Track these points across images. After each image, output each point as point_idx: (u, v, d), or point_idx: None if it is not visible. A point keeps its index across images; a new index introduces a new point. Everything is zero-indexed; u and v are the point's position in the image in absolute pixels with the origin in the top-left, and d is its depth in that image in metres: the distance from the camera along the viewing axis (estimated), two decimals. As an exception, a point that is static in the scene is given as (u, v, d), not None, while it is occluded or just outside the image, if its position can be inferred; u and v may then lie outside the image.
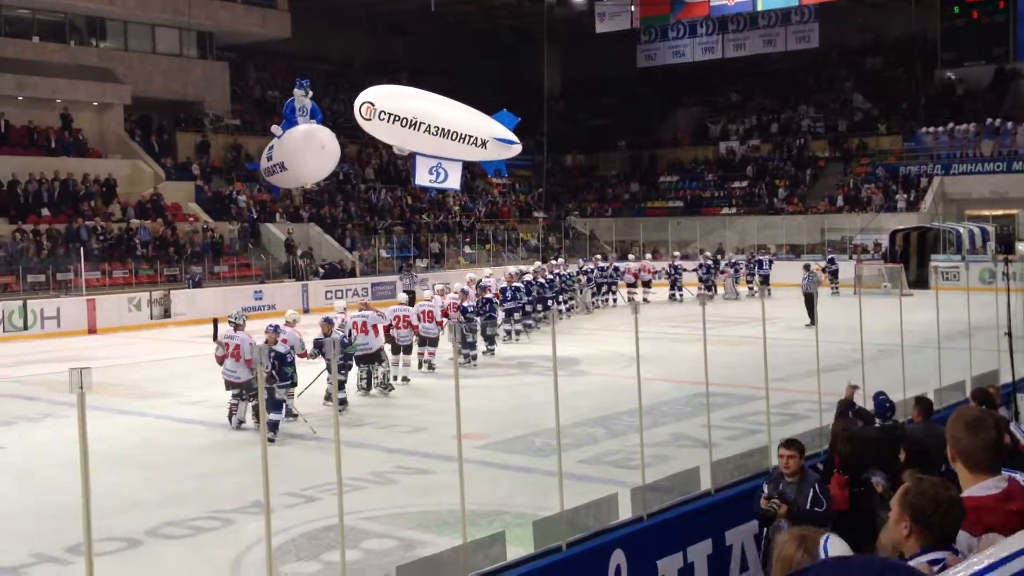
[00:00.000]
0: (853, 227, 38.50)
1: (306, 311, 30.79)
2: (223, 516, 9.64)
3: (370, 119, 11.66)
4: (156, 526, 9.36)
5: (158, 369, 19.79)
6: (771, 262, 32.02)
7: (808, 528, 3.21)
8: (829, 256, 32.95)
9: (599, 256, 33.06)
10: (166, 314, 28.09)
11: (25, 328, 25.51)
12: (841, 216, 40.15)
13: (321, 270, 33.86)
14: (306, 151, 12.94)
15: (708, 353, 8.28)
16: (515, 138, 13.32)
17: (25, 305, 25.82)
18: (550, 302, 24.46)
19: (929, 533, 3.07)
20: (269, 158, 13.34)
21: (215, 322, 14.38)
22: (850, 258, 34.84)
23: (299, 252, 34.27)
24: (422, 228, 40.43)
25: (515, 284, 22.76)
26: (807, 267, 26.40)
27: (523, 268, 25.84)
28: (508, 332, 22.34)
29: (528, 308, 23.22)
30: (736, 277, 31.94)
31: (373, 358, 16.15)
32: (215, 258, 32.13)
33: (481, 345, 19.79)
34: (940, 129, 41.26)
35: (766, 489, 6.89)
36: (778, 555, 3.12)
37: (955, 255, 32.21)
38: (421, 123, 11.85)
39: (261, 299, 30.49)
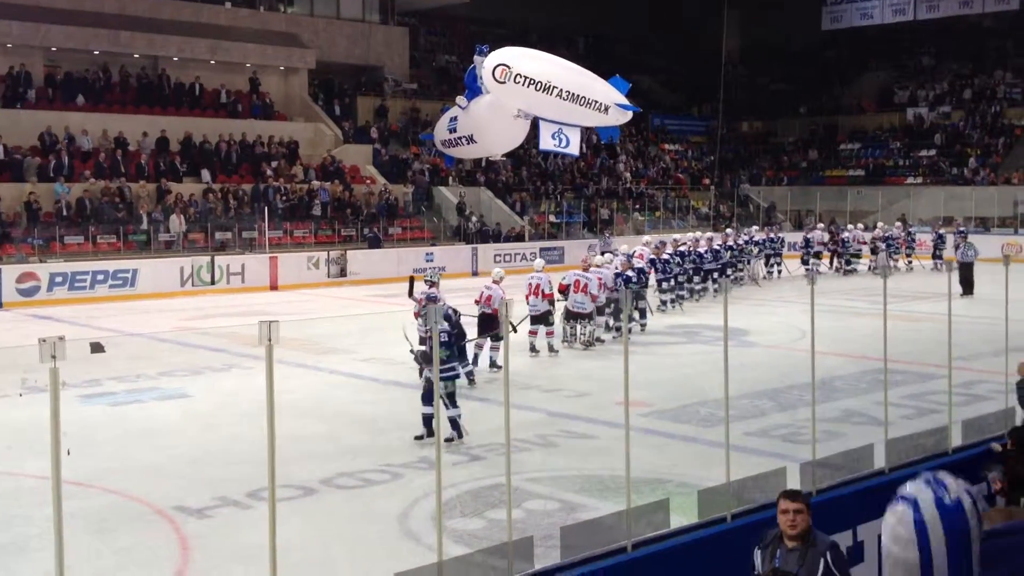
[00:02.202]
0: (1050, 200, 36.22)
1: (475, 274, 31.31)
2: (392, 470, 9.94)
3: (504, 82, 11.22)
4: (330, 476, 9.73)
5: (334, 326, 20.51)
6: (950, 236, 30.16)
7: (1016, 509, 3.03)
8: (959, 229, 30.01)
9: (776, 226, 32.22)
10: (342, 273, 29.09)
11: (212, 283, 26.91)
12: (1037, 188, 37.83)
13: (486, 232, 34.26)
14: (497, 122, 12.37)
15: (887, 329, 7.96)
16: (633, 105, 13.00)
17: (213, 261, 27.21)
18: (713, 274, 24.02)
19: None
20: (452, 130, 12.82)
21: (411, 279, 15.00)
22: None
23: (472, 216, 34.77)
24: (591, 194, 40.33)
25: (664, 255, 21.99)
26: (964, 236, 25.33)
27: (677, 237, 25.16)
28: (663, 303, 21.75)
29: (682, 279, 22.61)
30: (891, 252, 30.13)
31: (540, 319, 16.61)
32: (390, 220, 32.99)
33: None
34: None
35: (757, 560, 5.35)
36: None
37: None
38: (554, 87, 11.46)
39: (432, 261, 31.14)
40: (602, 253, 22.63)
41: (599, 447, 10.66)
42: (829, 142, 47.90)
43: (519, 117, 11.92)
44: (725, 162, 48.22)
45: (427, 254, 31.56)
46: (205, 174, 31.56)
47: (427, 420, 10.84)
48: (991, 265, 21.44)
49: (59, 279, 24.83)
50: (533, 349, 16.68)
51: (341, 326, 20.52)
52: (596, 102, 11.92)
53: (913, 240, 31.12)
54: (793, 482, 6.83)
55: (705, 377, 13.57)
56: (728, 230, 29.62)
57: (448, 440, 10.62)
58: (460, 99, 12.82)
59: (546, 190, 39.18)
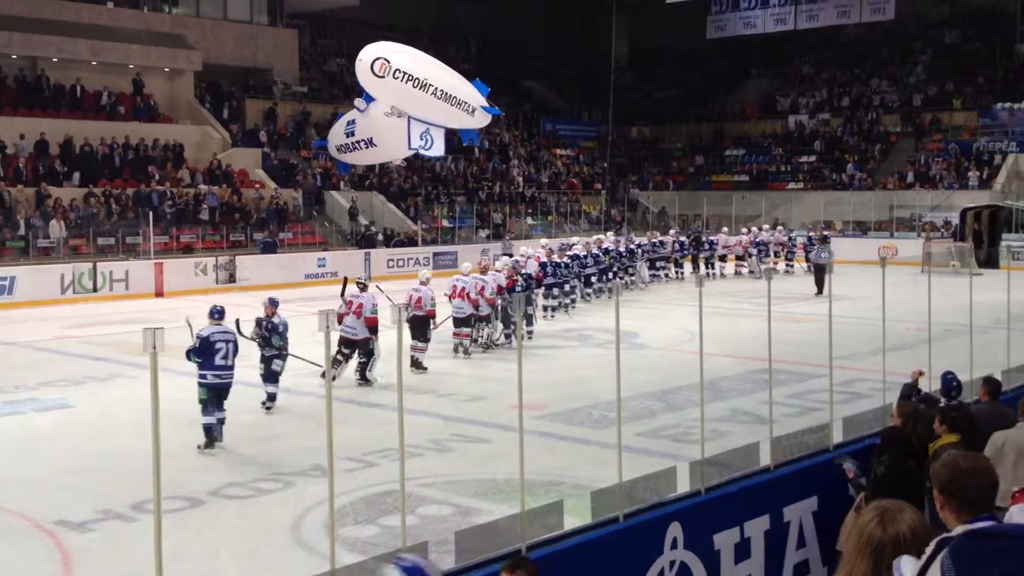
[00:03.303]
0: (923, 204, 37.72)
1: (368, 279, 31.06)
2: (284, 479, 9.80)
3: (383, 76, 10.90)
4: (219, 487, 9.55)
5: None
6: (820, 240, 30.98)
7: (893, 502, 3.14)
8: (811, 234, 31.21)
9: (675, 231, 32.78)
10: (231, 279, 28.54)
11: (94, 290, 26.10)
12: (911, 193, 39.37)
13: (381, 236, 34.05)
14: (399, 125, 12.12)
15: (772, 330, 8.19)
16: (495, 108, 12.87)
17: (95, 267, 26.39)
18: (605, 275, 24.33)
19: (954, 501, 3.10)
20: (350, 134, 12.54)
21: (344, 281, 15.15)
22: (919, 236, 34.16)
23: (364, 222, 34.52)
24: (485, 199, 40.47)
25: (554, 259, 21.93)
26: (824, 239, 26.43)
27: (566, 242, 25.39)
28: (546, 308, 21.43)
29: (573, 284, 22.67)
30: (760, 257, 30.92)
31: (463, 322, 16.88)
32: (280, 225, 32.52)
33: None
34: (1016, 105, 40.14)
35: None
36: (856, 526, 3.06)
37: (1028, 235, 31.43)
38: (429, 85, 11.20)
39: (324, 266, 30.81)
40: (507, 255, 22.71)
41: (494, 451, 10.70)
42: (715, 148, 49.04)
43: (390, 115, 11.61)
44: (615, 167, 48.93)
45: (319, 259, 31.20)
46: (77, 177, 30.60)
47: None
48: (869, 268, 22.27)
49: (-70, 287, 23.77)
50: (456, 350, 16.79)
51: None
52: (465, 103, 11.69)
53: (793, 244, 31.93)
54: (683, 480, 6.98)
55: (597, 379, 13.74)
56: (609, 234, 29.93)
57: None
58: (359, 101, 12.49)
59: (438, 195, 39.15)
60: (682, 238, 31.17)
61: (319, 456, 10.30)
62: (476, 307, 17.00)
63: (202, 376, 11.13)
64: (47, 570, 7.63)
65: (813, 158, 45.00)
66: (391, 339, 15.42)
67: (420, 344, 15.67)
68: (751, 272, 30.23)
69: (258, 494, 9.42)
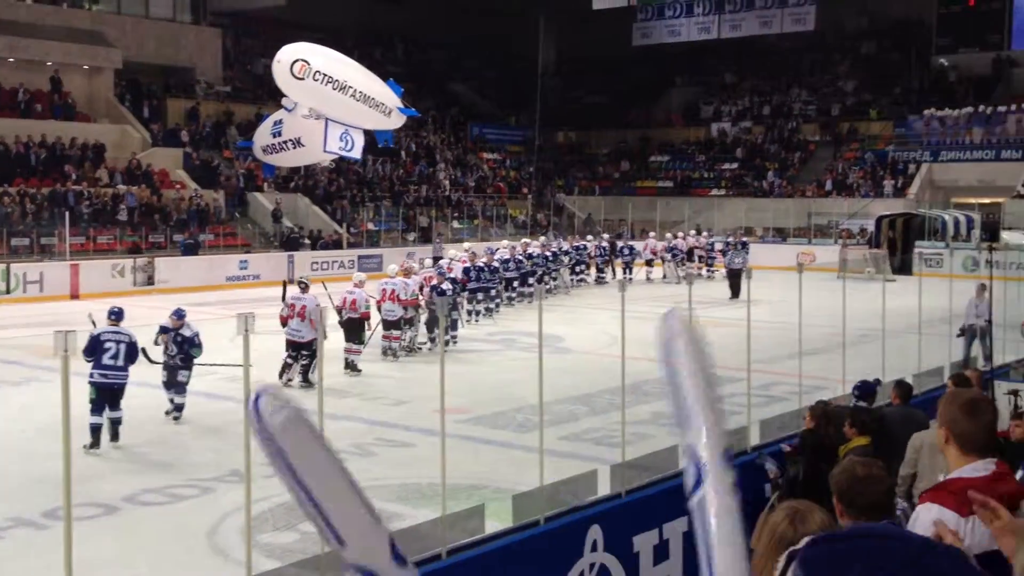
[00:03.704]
0: (840, 211, 38.58)
1: (290, 282, 30.73)
2: (201, 484, 9.65)
3: (303, 78, 10.69)
4: (134, 493, 9.36)
5: (140, 336, 19.68)
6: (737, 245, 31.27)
7: (803, 503, 3.20)
8: (728, 240, 31.80)
9: (605, 235, 33.01)
10: (149, 281, 27.99)
11: (7, 292, 25.38)
12: (829, 200, 40.26)
13: (306, 240, 33.73)
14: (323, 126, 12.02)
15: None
16: (411, 108, 12.82)
17: (8, 268, 25.67)
18: (528, 280, 24.43)
19: (852, 509, 3.19)
20: (276, 134, 12.20)
21: (284, 283, 15.05)
22: (836, 243, 34.92)
23: (288, 224, 34.16)
24: (411, 201, 40.34)
25: (478, 263, 21.76)
26: (741, 244, 27.04)
27: (491, 246, 25.32)
28: (470, 313, 21.14)
29: (498, 287, 22.64)
30: (676, 261, 31.23)
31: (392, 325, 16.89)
32: (201, 226, 32.01)
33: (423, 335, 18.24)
34: (931, 115, 41.33)
35: None
36: (766, 525, 3.11)
37: (939, 242, 32.33)
38: (348, 86, 11.05)
39: (246, 269, 30.41)
40: (437, 258, 22.65)
41: (417, 455, 10.67)
42: (640, 154, 49.55)
43: (309, 117, 11.43)
44: (542, 172, 49.14)
45: (241, 261, 30.78)
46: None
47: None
48: (787, 273, 22.69)
49: None
50: (386, 353, 16.75)
51: (146, 336, 19.71)
52: (382, 104, 11.59)
53: (712, 249, 32.29)
54: (604, 483, 7.04)
55: (521, 383, 13.76)
56: (540, 239, 29.99)
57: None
58: (287, 100, 12.17)
59: (363, 197, 38.90)
60: (603, 244, 31.41)
61: (237, 461, 10.17)
62: (405, 309, 17.02)
63: (91, 375, 11.07)
64: (-47, 580, 7.41)
65: (735, 165, 45.72)
66: (339, 340, 15.40)
67: (355, 346, 15.67)
68: (664, 278, 30.45)
69: (175, 500, 9.26)
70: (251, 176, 36.15)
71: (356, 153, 11.90)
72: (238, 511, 8.63)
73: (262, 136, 12.47)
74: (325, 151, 11.82)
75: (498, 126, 51.50)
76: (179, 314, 12.68)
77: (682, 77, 52.30)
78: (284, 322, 14.45)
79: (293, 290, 14.95)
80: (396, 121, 12.08)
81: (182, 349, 12.42)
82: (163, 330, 12.63)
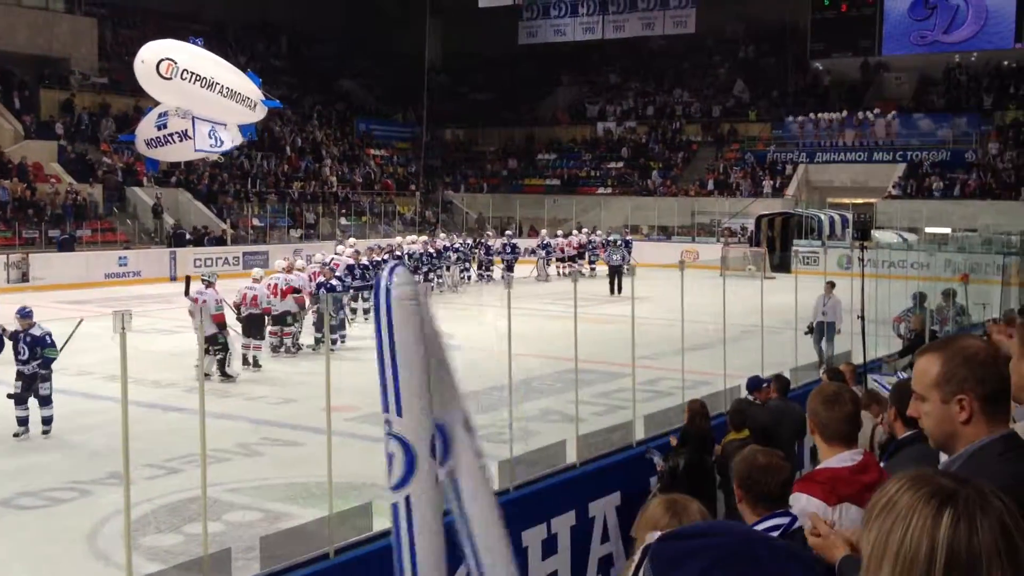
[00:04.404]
0: (722, 211, 39.55)
1: (173, 279, 30.03)
2: (80, 487, 9.37)
3: (171, 78, 10.39)
4: (9, 496, 9.05)
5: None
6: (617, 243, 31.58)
7: (681, 495, 3.30)
8: (608, 238, 32.03)
9: (490, 232, 33.02)
10: (24, 278, 26.99)
11: None
12: (711, 199, 41.24)
13: (187, 236, 32.96)
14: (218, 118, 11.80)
15: (579, 330, 8.43)
16: (274, 100, 12.66)
17: None
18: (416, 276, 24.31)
19: (751, 495, 3.31)
20: (162, 126, 11.79)
21: (187, 279, 15.03)
22: (718, 241, 35.77)
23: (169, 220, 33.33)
24: (297, 197, 39.79)
25: (363, 261, 21.58)
26: (615, 242, 27.60)
27: (376, 243, 25.17)
28: (355, 311, 20.72)
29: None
30: (547, 259, 31.61)
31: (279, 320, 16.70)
32: (77, 222, 30.98)
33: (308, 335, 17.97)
34: (806, 118, 42.72)
35: None
36: (645, 516, 3.19)
37: (815, 241, 33.43)
38: (216, 83, 10.82)
39: (126, 265, 29.57)
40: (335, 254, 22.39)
41: (304, 454, 10.55)
42: (527, 152, 49.88)
43: (175, 116, 11.14)
44: (430, 169, 49.04)
45: (121, 258, 29.92)
46: None
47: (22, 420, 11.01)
48: (672, 271, 23.19)
49: None
50: (276, 350, 16.69)
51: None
52: (248, 98, 11.42)
53: (594, 247, 32.64)
54: (492, 479, 7.09)
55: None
56: (426, 236, 29.87)
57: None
58: None
59: (247, 193, 38.20)
60: (490, 242, 31.46)
61: (117, 463, 9.91)
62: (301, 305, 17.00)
63: None
64: None
65: (620, 164, 46.43)
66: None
67: (256, 342, 15.78)
68: (537, 276, 30.53)
69: (53, 503, 8.98)
70: (130, 170, 35.16)
71: (227, 148, 11.64)
72: (118, 514, 8.43)
73: (146, 129, 12.10)
74: (196, 150, 11.51)
75: (385, 122, 51.19)
76: (24, 312, 11.70)
77: (568, 76, 52.84)
78: (193, 316, 14.70)
79: (197, 285, 15.01)
80: (260, 114, 11.89)
81: (35, 353, 11.37)
82: (13, 336, 11.54)
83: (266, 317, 16.23)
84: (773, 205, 38.52)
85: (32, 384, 11.36)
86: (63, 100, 37.09)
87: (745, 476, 3.40)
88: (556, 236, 32.82)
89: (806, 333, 14.39)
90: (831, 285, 15.76)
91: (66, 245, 29.28)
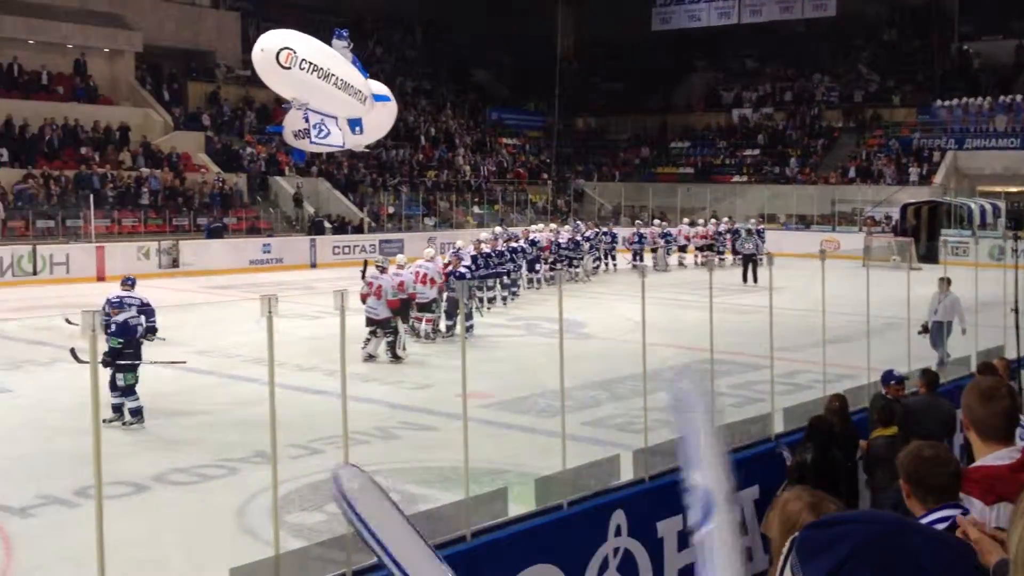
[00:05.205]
0: (864, 199, 38.37)
1: (313, 266, 30.88)
2: (229, 465, 9.74)
3: (290, 67, 10.15)
4: (163, 472, 9.47)
5: (165, 318, 19.84)
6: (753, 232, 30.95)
7: (820, 493, 3.22)
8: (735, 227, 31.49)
9: (640, 221, 32.88)
10: (174, 264, 28.20)
11: (34, 273, 25.63)
12: (852, 188, 40.03)
13: (330, 225, 33.83)
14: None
15: (714, 321, 8.31)
16: (388, 94, 12.14)
17: (35, 250, 25.91)
18: (537, 266, 24.34)
19: (920, 489, 3.21)
20: (306, 118, 11.66)
21: (364, 264, 16.37)
22: (860, 230, 34.75)
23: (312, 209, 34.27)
24: (430, 186, 40.37)
25: (485, 251, 21.32)
26: (750, 231, 26.93)
27: (489, 234, 24.92)
28: (481, 300, 20.67)
29: (515, 276, 22.49)
30: (667, 249, 31.08)
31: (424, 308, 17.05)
32: (224, 210, 32.17)
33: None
34: (955, 103, 41.00)
35: None
36: (784, 513, 3.13)
37: (965, 230, 32.11)
38: (332, 75, 10.57)
39: (269, 252, 30.57)
40: (506, 241, 22.69)
41: (440, 439, 10.72)
42: (660, 140, 49.38)
43: (290, 107, 11.04)
44: (562, 157, 49.05)
45: (264, 245, 30.94)
46: (5, 153, 29.95)
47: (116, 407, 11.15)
48: (810, 261, 22.64)
49: None
50: (418, 334, 17.09)
51: (173, 317, 19.89)
52: (360, 92, 11.23)
53: (737, 236, 31.99)
54: (627, 468, 7.07)
55: (544, 368, 13.76)
56: (569, 224, 29.83)
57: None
58: None
59: (384, 182, 38.98)
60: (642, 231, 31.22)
61: (264, 443, 10.26)
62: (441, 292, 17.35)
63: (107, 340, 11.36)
64: (-14, 556, 7.52)
65: (757, 152, 45.51)
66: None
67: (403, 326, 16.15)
68: (655, 265, 29.95)
69: (203, 480, 9.36)
70: (273, 160, 36.28)
71: (336, 140, 11.39)
72: (265, 491, 8.72)
73: (294, 121, 12.34)
74: (311, 143, 11.38)
75: (517, 111, 51.43)
76: (129, 281, 12.99)
77: (702, 62, 52.02)
78: (364, 299, 15.21)
79: (372, 270, 15.65)
80: (369, 108, 11.59)
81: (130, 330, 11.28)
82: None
83: (411, 303, 16.58)
84: (919, 193, 37.13)
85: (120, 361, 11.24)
86: (209, 92, 38.52)
87: (912, 470, 3.29)
88: (694, 224, 32.41)
89: (920, 333, 13.60)
90: (946, 282, 14.64)
91: (216, 232, 30.46)
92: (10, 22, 32.53)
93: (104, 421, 10.84)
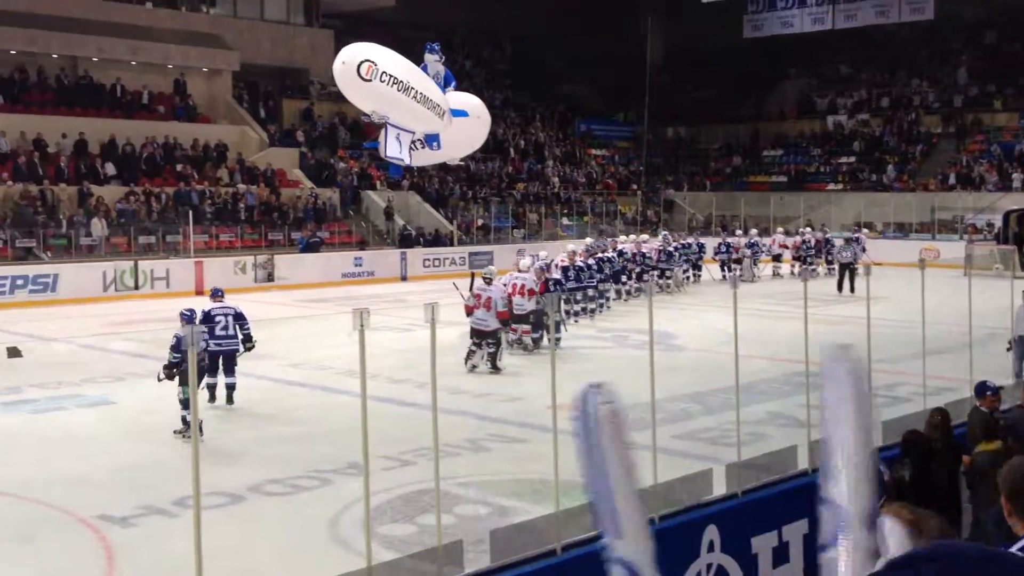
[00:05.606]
0: (965, 206, 37.27)
1: (404, 278, 31.21)
2: (322, 476, 9.87)
3: (371, 79, 10.08)
4: (259, 483, 9.63)
5: (261, 331, 20.23)
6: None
7: (920, 511, 3.11)
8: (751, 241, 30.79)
9: (726, 231, 32.48)
10: (269, 278, 28.78)
11: (136, 288, 26.42)
12: (953, 195, 38.90)
13: (421, 238, 34.15)
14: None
15: (808, 332, 8.14)
16: (473, 108, 11.81)
17: (136, 266, 26.71)
18: (643, 276, 24.18)
19: (1022, 507, 3.09)
20: (412, 134, 11.48)
21: (472, 276, 16.62)
22: (961, 238, 33.75)
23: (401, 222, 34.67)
24: (520, 198, 40.48)
25: (577, 263, 21.16)
26: (849, 239, 26.23)
27: (580, 244, 24.40)
28: (569, 314, 20.45)
29: (604, 287, 22.33)
30: (755, 259, 30.40)
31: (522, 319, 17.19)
32: (317, 224, 32.74)
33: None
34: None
35: None
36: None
37: (1073, 239, 30.93)
38: (411, 88, 10.45)
39: (361, 265, 30.98)
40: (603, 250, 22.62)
41: (529, 451, 10.70)
42: (752, 148, 48.72)
43: (370, 119, 10.97)
44: (652, 168, 48.76)
45: (356, 258, 31.38)
46: (110, 170, 30.92)
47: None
48: (910, 270, 22.07)
49: (-25, 284, 24.17)
50: (525, 346, 17.35)
51: (269, 331, 20.28)
52: (438, 106, 11.12)
53: (832, 246, 31.26)
54: (719, 483, 6.96)
55: (633, 381, 13.62)
56: (664, 234, 29.51)
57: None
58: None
59: (473, 195, 39.23)
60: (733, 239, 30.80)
61: (356, 454, 10.37)
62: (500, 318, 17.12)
63: (206, 344, 12.24)
64: (90, 564, 7.74)
65: (852, 159, 44.59)
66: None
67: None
68: (741, 276, 29.25)
69: (296, 491, 9.50)
70: (365, 174, 36.82)
71: (406, 157, 11.28)
72: (357, 502, 8.82)
73: (390, 136, 12.33)
74: (385, 156, 11.34)
75: (606, 122, 51.30)
76: (219, 292, 13.67)
77: (795, 69, 51.20)
78: (469, 312, 15.52)
79: (479, 282, 15.91)
80: (447, 123, 11.38)
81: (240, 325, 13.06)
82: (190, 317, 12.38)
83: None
84: (1022, 200, 35.91)
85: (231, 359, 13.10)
86: (303, 109, 39.28)
87: (1013, 487, 3.17)
88: (789, 233, 31.91)
89: (1008, 350, 12.63)
90: None
91: (313, 247, 31.01)
92: (114, 44, 33.69)
93: (176, 432, 11.32)
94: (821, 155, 45.91)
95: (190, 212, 29.42)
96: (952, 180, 40.28)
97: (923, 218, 37.79)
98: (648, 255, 26.12)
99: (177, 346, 11.48)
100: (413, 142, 11.16)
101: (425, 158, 12.53)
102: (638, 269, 25.20)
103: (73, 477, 9.93)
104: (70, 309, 23.70)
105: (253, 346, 13.34)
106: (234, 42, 37.40)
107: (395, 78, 10.29)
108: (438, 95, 11.19)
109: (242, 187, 32.63)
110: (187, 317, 12.07)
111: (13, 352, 16.72)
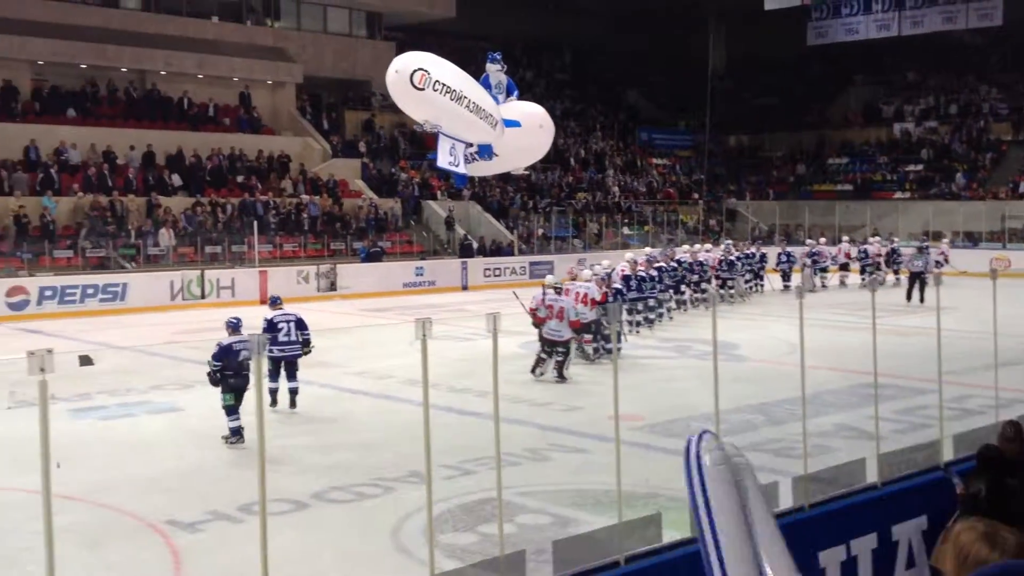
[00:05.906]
0: (1036, 214, 36.46)
1: (465, 288, 31.31)
2: (384, 484, 9.92)
3: (424, 88, 10.07)
4: (322, 490, 9.70)
5: (324, 340, 20.43)
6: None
7: (995, 524, 3.02)
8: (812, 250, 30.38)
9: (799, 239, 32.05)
10: (332, 287, 29.07)
11: (202, 297, 26.86)
12: (1023, 203, 38.05)
13: (475, 244, 34.23)
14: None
15: (876, 342, 7.99)
16: (515, 119, 11.59)
17: (203, 275, 27.16)
18: (701, 285, 23.96)
19: None
20: (468, 144, 11.61)
21: (543, 287, 16.47)
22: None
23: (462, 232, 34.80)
24: (580, 208, 40.40)
25: (639, 272, 20.91)
26: (920, 248, 25.74)
27: (640, 254, 24.08)
28: (630, 324, 20.36)
29: (663, 297, 22.09)
30: (815, 268, 29.95)
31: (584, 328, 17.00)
32: (379, 234, 33.01)
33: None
34: None
35: None
36: (957, 545, 2.95)
37: None
38: (464, 97, 10.40)
39: (422, 275, 31.15)
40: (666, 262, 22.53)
41: (591, 461, 10.64)
42: (817, 157, 48.12)
43: (423, 128, 10.92)
44: (713, 176, 48.38)
45: (417, 268, 31.57)
46: (176, 181, 31.47)
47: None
48: (980, 280, 21.61)
49: (48, 293, 24.74)
50: (587, 356, 17.32)
51: (332, 340, 20.47)
52: (491, 116, 11.02)
53: (898, 255, 30.72)
54: (785, 496, 6.85)
55: (696, 391, 13.57)
56: (726, 243, 29.24)
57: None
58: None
59: (534, 205, 39.25)
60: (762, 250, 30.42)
61: (418, 463, 10.40)
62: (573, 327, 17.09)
63: (269, 351, 12.69)
64: (157, 568, 7.85)
65: (920, 167, 43.83)
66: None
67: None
68: (798, 286, 28.57)
69: (359, 499, 9.55)
70: (426, 184, 37.04)
71: (462, 169, 11.19)
72: (419, 511, 8.84)
73: (449, 146, 12.34)
74: (437, 166, 11.30)
75: (667, 131, 51.04)
76: (277, 300, 14.24)
77: (860, 76, 50.48)
78: (540, 323, 15.62)
79: (550, 293, 15.96)
80: (499, 133, 11.27)
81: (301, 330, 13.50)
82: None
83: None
84: (1096, 208, 35.05)
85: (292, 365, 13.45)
86: (364, 120, 39.69)
87: None
88: (855, 242, 31.43)
89: None
90: None
91: (375, 256, 31.26)
92: (182, 58, 34.38)
93: (224, 438, 11.52)
94: (888, 163, 45.20)
95: (255, 222, 29.86)
96: (1022, 188, 39.38)
97: (993, 227, 37.01)
98: (706, 264, 25.86)
99: (218, 355, 11.63)
100: (467, 153, 11.12)
101: (484, 168, 12.51)
102: (696, 278, 24.97)
103: (142, 483, 10.09)
104: (139, 317, 24.16)
105: (311, 350, 13.64)
106: (298, 55, 37.94)
107: (448, 87, 10.30)
108: (491, 105, 11.15)
109: (305, 198, 33.03)
110: (233, 325, 12.22)
111: (85, 360, 17.03)
